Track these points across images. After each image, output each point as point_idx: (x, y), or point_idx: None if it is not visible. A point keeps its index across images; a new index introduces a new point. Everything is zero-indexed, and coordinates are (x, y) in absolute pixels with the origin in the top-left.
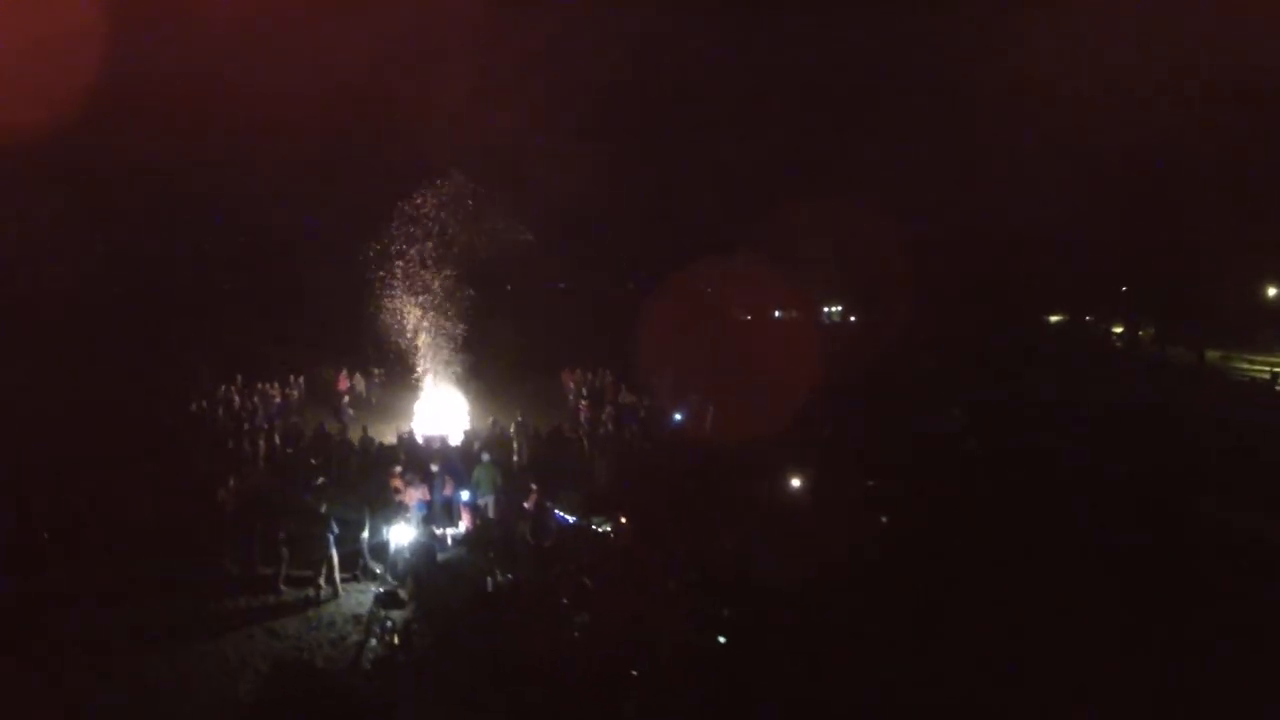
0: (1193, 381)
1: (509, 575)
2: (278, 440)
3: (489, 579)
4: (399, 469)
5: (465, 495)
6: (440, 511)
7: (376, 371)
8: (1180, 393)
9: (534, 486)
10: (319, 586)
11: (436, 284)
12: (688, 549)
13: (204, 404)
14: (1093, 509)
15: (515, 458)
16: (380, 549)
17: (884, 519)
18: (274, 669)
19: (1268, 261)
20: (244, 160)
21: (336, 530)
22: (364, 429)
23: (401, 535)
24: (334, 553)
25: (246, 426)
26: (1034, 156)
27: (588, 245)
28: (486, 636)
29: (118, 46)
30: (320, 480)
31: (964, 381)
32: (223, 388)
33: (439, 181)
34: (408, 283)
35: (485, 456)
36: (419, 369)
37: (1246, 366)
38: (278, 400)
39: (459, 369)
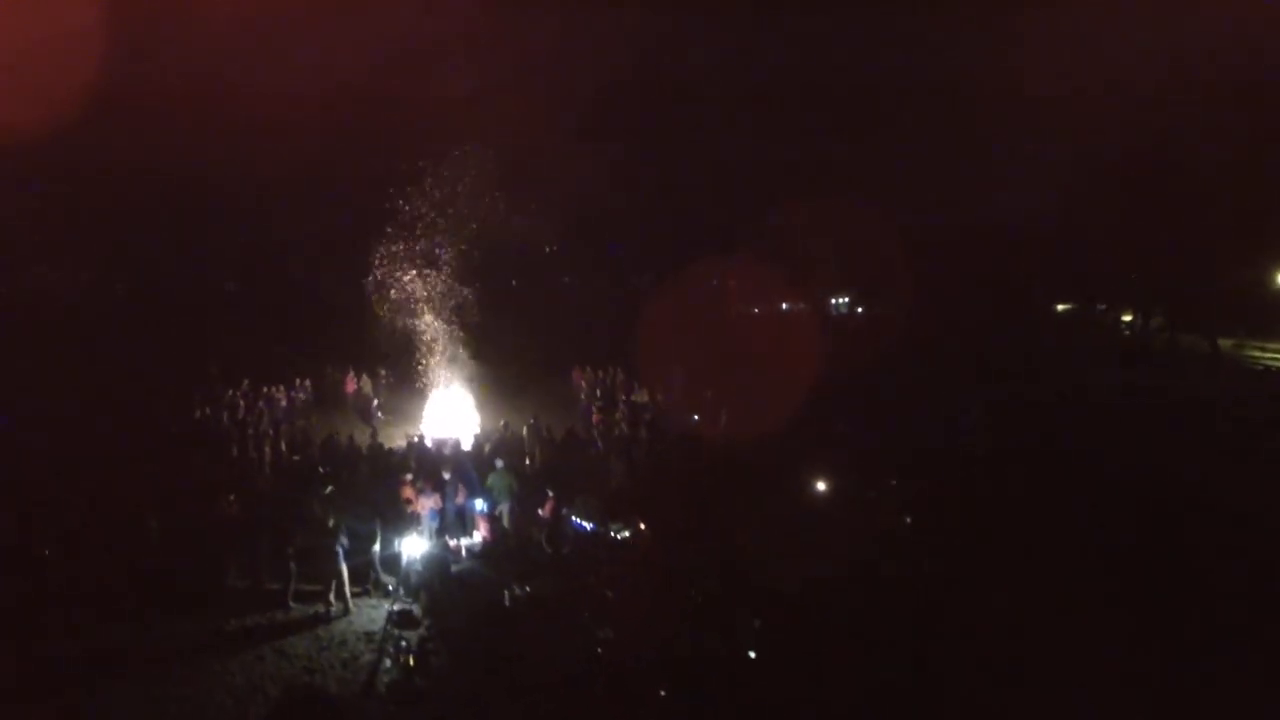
0: (1209, 372)
1: (526, 588)
2: (284, 447)
3: (506, 592)
4: (410, 477)
5: (480, 504)
6: (453, 521)
7: (383, 372)
8: (1200, 385)
9: (550, 494)
10: (329, 603)
11: (441, 282)
12: (708, 555)
13: (208, 409)
14: (1104, 509)
15: (528, 461)
16: (392, 561)
17: (907, 519)
18: (285, 694)
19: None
20: (247, 160)
21: (346, 544)
22: (372, 434)
23: (414, 547)
24: (344, 567)
25: (251, 432)
26: (1040, 144)
27: (591, 243)
28: (505, 654)
29: (120, 46)
30: (329, 489)
31: (978, 375)
32: (229, 392)
33: (444, 173)
34: (413, 280)
35: (499, 463)
36: (427, 369)
37: (1259, 354)
38: (284, 403)
39: (467, 368)
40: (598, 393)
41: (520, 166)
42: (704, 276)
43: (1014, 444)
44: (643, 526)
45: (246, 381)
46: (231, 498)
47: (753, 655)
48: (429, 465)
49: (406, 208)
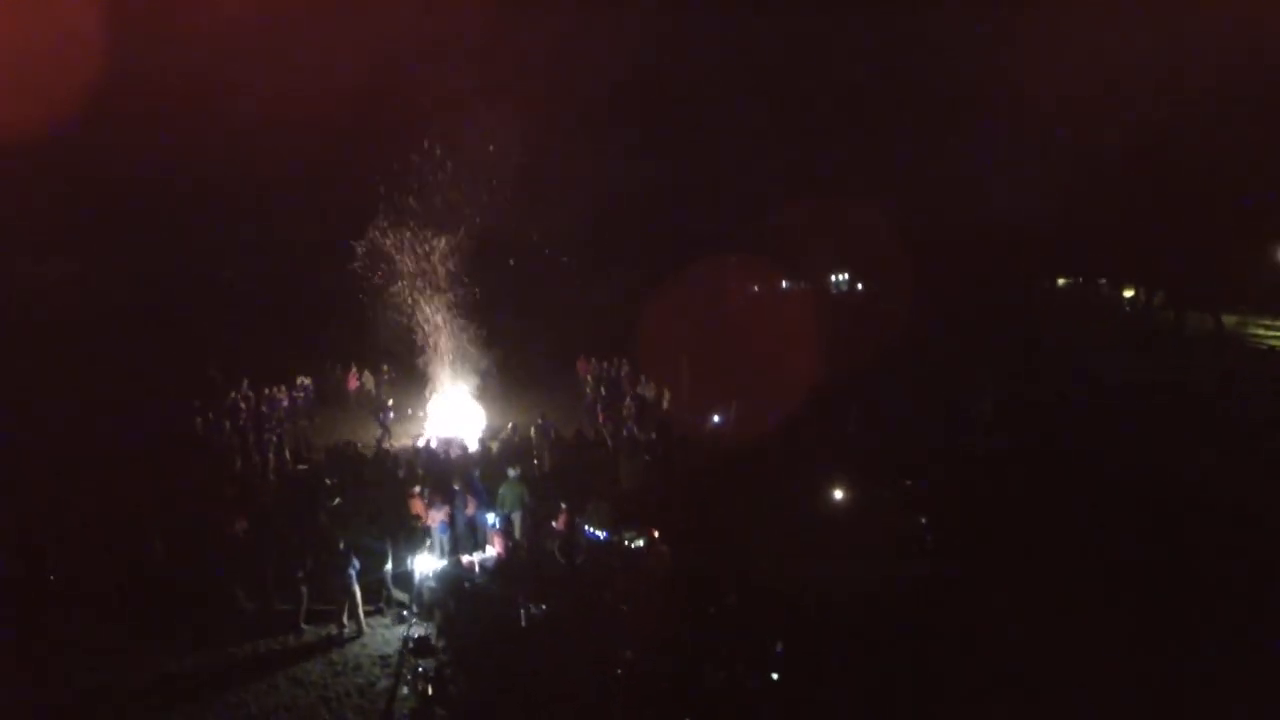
0: (1217, 354)
1: (543, 606)
2: (288, 455)
3: (521, 611)
4: (418, 489)
5: (492, 519)
6: (464, 534)
7: (385, 368)
8: (1208, 373)
9: (564, 506)
10: (342, 624)
11: (443, 274)
12: (724, 565)
13: (210, 415)
14: (1111, 508)
15: (536, 462)
16: (404, 578)
17: (922, 519)
18: None
19: None
20: (246, 154)
21: (358, 565)
22: (378, 440)
23: (426, 564)
24: (356, 588)
25: (253, 439)
26: (1041, 121)
27: (589, 220)
28: (523, 679)
29: (120, 45)
30: (336, 501)
31: (984, 365)
32: (231, 394)
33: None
34: (414, 272)
35: (511, 472)
36: (430, 364)
37: (1263, 333)
38: (285, 404)
39: (471, 362)
40: (602, 390)
41: (522, 156)
42: (704, 257)
43: (1022, 441)
44: (656, 534)
45: (246, 382)
46: (239, 523)
47: (775, 678)
48: (437, 474)
49: (408, 200)
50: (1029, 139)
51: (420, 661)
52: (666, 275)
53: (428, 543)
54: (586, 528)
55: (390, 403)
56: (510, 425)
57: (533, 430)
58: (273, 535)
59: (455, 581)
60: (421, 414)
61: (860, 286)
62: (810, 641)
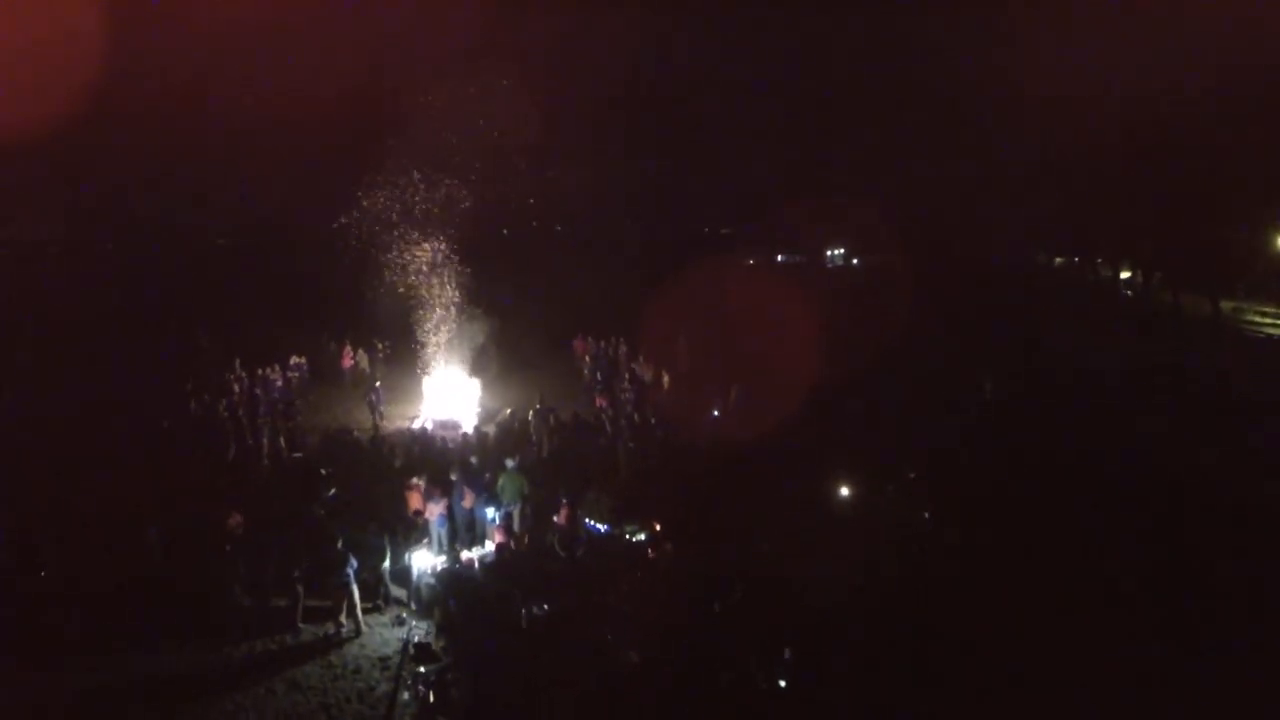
0: (1215, 342)
1: (544, 605)
2: (282, 442)
3: (523, 611)
4: (416, 480)
5: (491, 513)
6: (463, 527)
7: (380, 345)
8: (1208, 362)
9: (565, 500)
10: (339, 623)
11: (438, 249)
12: (728, 562)
13: (205, 397)
14: (1116, 508)
15: (535, 447)
16: (402, 573)
17: (926, 515)
18: None
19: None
20: (243, 142)
21: (355, 564)
22: (374, 429)
23: (424, 560)
24: (354, 586)
25: (247, 422)
26: (1039, 102)
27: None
28: (526, 682)
29: (119, 45)
30: (332, 492)
31: (986, 356)
32: (226, 375)
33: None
34: (409, 247)
35: (509, 463)
36: (425, 342)
37: (1259, 319)
38: (279, 383)
39: (466, 339)
40: (598, 375)
41: (521, 134)
42: (700, 229)
43: (1023, 431)
44: (657, 527)
45: (239, 362)
46: (233, 518)
47: (783, 685)
48: (434, 464)
49: (404, 177)
50: (1030, 118)
51: (422, 667)
52: (663, 252)
53: (425, 538)
54: (587, 520)
55: (379, 384)
56: (508, 411)
57: (531, 415)
58: (268, 530)
59: (454, 579)
60: (418, 392)
61: (856, 261)
62: (816, 641)
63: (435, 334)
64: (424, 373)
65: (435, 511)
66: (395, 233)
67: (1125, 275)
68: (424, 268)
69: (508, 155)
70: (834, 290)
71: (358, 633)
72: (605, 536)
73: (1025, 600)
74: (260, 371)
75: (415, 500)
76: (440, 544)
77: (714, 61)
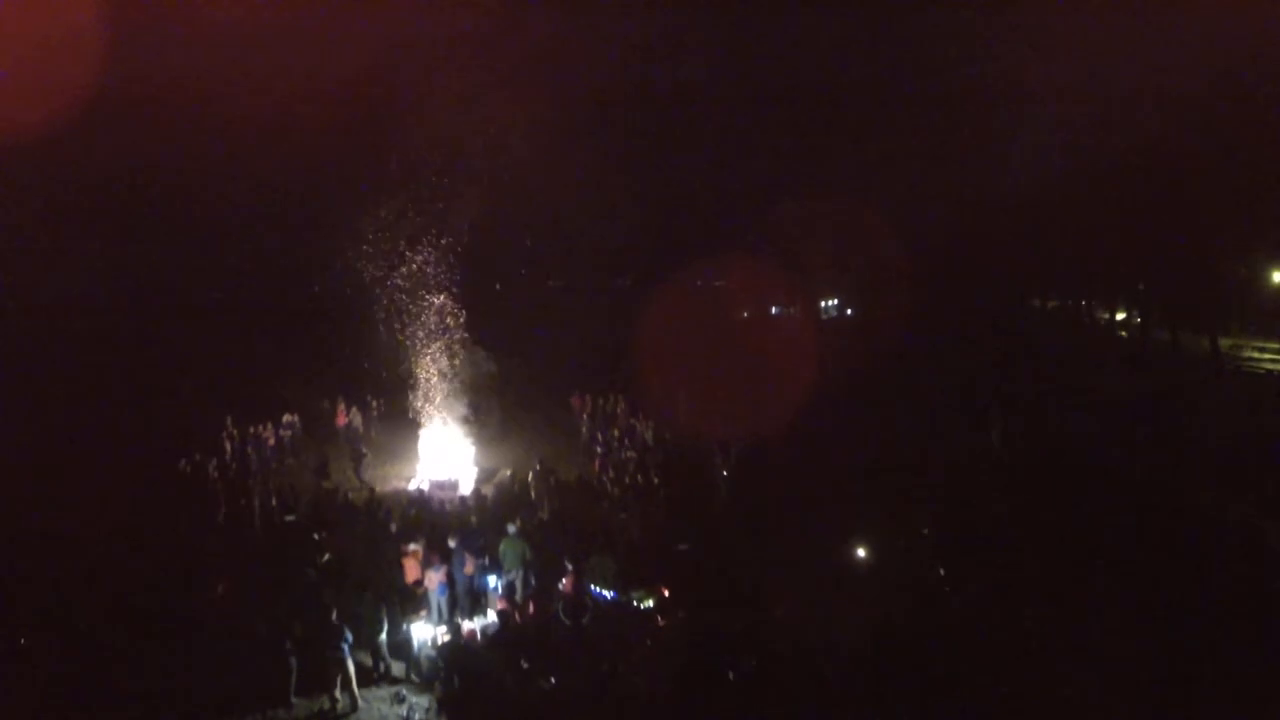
0: (1217, 379)
1: (551, 680)
2: (274, 502)
3: (528, 687)
4: (413, 547)
5: (493, 581)
6: (464, 595)
7: (376, 404)
8: (1213, 400)
9: (569, 566)
10: (335, 698)
11: (434, 300)
12: (741, 630)
13: (196, 456)
14: (1134, 552)
15: (536, 509)
16: (400, 645)
17: (941, 570)
18: None
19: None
20: (230, 175)
21: (350, 638)
22: (370, 490)
23: (423, 631)
24: (349, 660)
25: (238, 483)
26: (1029, 140)
27: (580, 242)
28: None
29: (118, 48)
30: (326, 557)
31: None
32: (218, 433)
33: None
34: (405, 298)
35: (511, 528)
36: (421, 398)
37: (1258, 355)
38: (271, 443)
39: (463, 397)
40: (597, 435)
41: (514, 171)
42: (693, 277)
43: (1037, 485)
44: (666, 593)
45: (229, 419)
46: (220, 588)
47: None
48: (432, 528)
49: (398, 220)
50: (1019, 160)
51: None
52: (656, 303)
53: (424, 607)
54: (592, 587)
55: (359, 444)
56: (508, 471)
57: (531, 476)
58: (258, 599)
59: (456, 653)
60: (412, 451)
61: (850, 312)
62: (833, 711)
63: (431, 391)
64: (420, 431)
65: (435, 579)
66: (389, 289)
67: (1120, 316)
68: (418, 325)
69: (499, 213)
70: (830, 341)
71: (354, 708)
72: (612, 604)
73: (1046, 660)
74: (251, 429)
75: (412, 567)
76: (440, 614)
77: (701, 109)
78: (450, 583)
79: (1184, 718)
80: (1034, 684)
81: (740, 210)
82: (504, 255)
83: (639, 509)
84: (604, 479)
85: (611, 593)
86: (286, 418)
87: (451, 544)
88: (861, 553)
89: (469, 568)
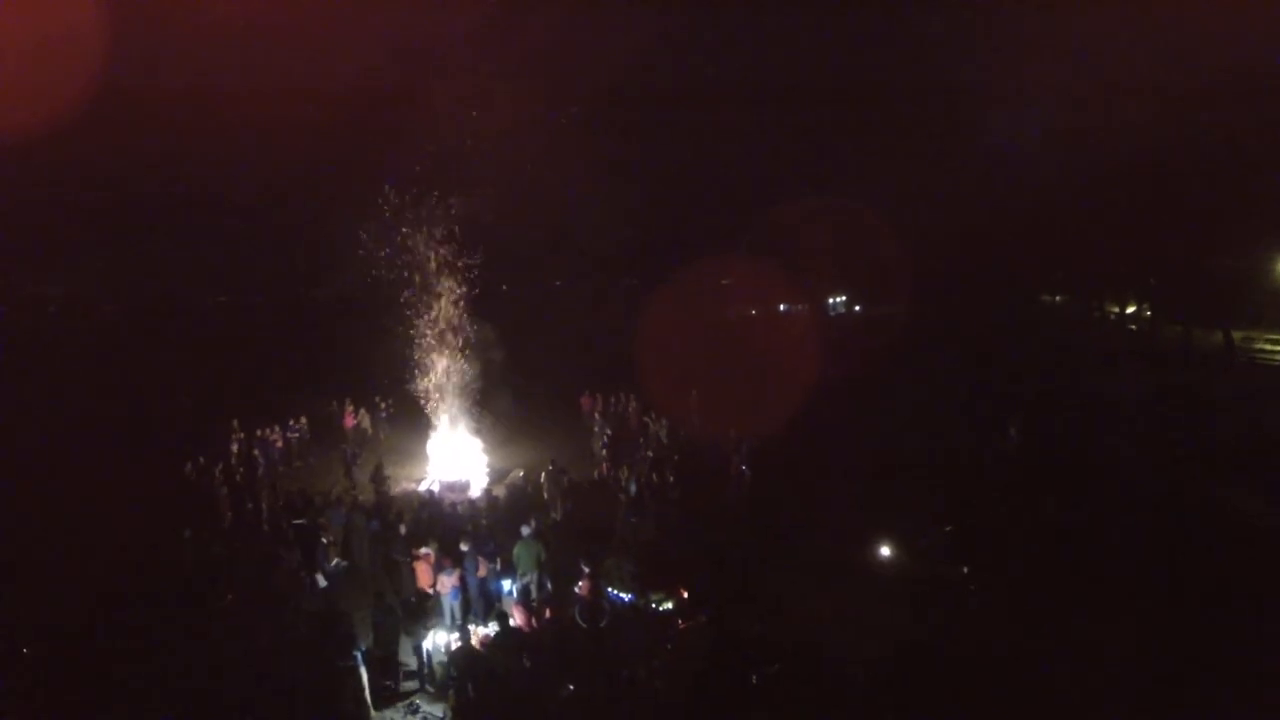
0: (1234, 373)
1: (570, 687)
2: (281, 505)
3: (546, 695)
4: (425, 550)
5: (507, 585)
6: (477, 600)
7: (384, 404)
8: (1233, 395)
9: (586, 569)
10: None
11: (444, 300)
12: (763, 631)
13: (201, 461)
14: (1157, 550)
15: (551, 514)
16: (413, 653)
17: (964, 569)
18: None
19: None
20: (237, 168)
21: (363, 648)
22: (380, 492)
23: (437, 638)
24: (363, 671)
25: (245, 486)
26: (1036, 137)
27: (582, 243)
28: None
29: (120, 46)
30: (335, 563)
31: (1007, 394)
32: (224, 436)
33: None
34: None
35: (525, 530)
36: (430, 399)
37: (1270, 348)
38: (279, 445)
39: (472, 397)
40: (607, 434)
41: (515, 166)
42: (700, 279)
43: (1056, 482)
44: (685, 595)
45: (236, 422)
46: (229, 595)
47: None
48: (444, 533)
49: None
50: (1029, 156)
51: None
52: (662, 293)
53: (437, 613)
54: (609, 590)
55: (352, 454)
56: (519, 472)
57: (544, 477)
58: (264, 608)
59: (470, 660)
60: (423, 452)
61: (858, 309)
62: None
63: (440, 392)
64: (427, 430)
65: (447, 584)
66: (398, 289)
67: (1130, 310)
68: (428, 324)
69: (507, 212)
70: (840, 338)
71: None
72: (630, 607)
73: (1072, 664)
74: (259, 432)
75: (424, 572)
76: (453, 617)
77: (707, 105)
78: (463, 587)
79: None
80: (1056, 690)
81: (747, 208)
82: (512, 255)
83: (655, 509)
84: (619, 479)
85: (629, 595)
86: (293, 421)
87: (463, 547)
88: (884, 552)
89: (482, 571)
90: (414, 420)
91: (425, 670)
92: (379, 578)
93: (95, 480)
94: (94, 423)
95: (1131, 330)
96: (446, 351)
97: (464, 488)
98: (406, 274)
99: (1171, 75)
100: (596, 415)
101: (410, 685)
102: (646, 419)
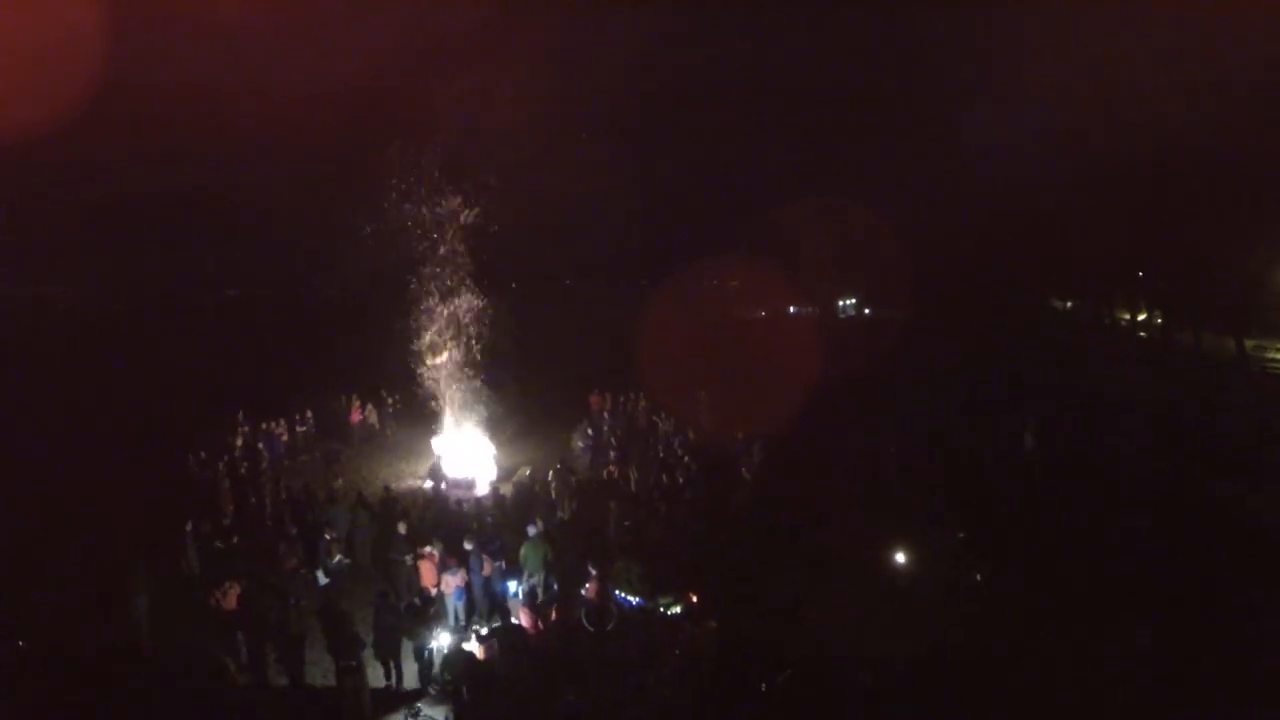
0: (1246, 381)
1: (572, 696)
2: (284, 497)
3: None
4: (429, 549)
5: (513, 586)
6: (481, 600)
7: (390, 400)
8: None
9: (593, 571)
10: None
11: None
12: (774, 637)
13: (203, 454)
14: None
15: (558, 513)
16: (415, 653)
17: (978, 576)
18: None
19: None
20: (242, 166)
21: (365, 644)
22: (385, 488)
23: (439, 639)
24: (365, 670)
25: (249, 480)
26: (1044, 141)
27: (592, 243)
28: None
29: (121, 48)
30: (338, 560)
31: (1020, 396)
32: (228, 430)
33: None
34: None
35: (532, 529)
36: (437, 394)
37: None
38: (285, 438)
39: (479, 392)
40: (614, 437)
41: (521, 166)
42: (708, 280)
43: (1073, 488)
44: (694, 598)
45: (242, 414)
46: (231, 588)
47: None
48: (449, 529)
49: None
50: (1039, 160)
51: None
52: (669, 294)
53: (440, 614)
54: (616, 592)
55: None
56: (527, 470)
57: (552, 475)
58: (269, 604)
59: (471, 664)
60: (427, 449)
61: (867, 311)
62: None
63: (448, 387)
64: (433, 425)
65: (451, 584)
66: (406, 283)
67: (1141, 316)
68: (435, 319)
69: (515, 208)
70: (851, 340)
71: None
72: (638, 610)
73: (1091, 670)
74: (264, 425)
75: (428, 571)
76: (457, 618)
77: (713, 97)
78: (467, 587)
79: None
80: (1070, 697)
81: (758, 210)
82: (521, 253)
83: (664, 510)
84: (627, 479)
85: (637, 599)
86: (299, 414)
87: (468, 546)
88: (898, 557)
89: (486, 570)
90: (421, 416)
91: (427, 673)
92: (381, 574)
93: (98, 475)
94: (99, 418)
95: (1142, 337)
96: (454, 347)
97: (470, 485)
98: (415, 269)
99: (1185, 74)
100: (605, 414)
101: (412, 688)
102: (656, 418)
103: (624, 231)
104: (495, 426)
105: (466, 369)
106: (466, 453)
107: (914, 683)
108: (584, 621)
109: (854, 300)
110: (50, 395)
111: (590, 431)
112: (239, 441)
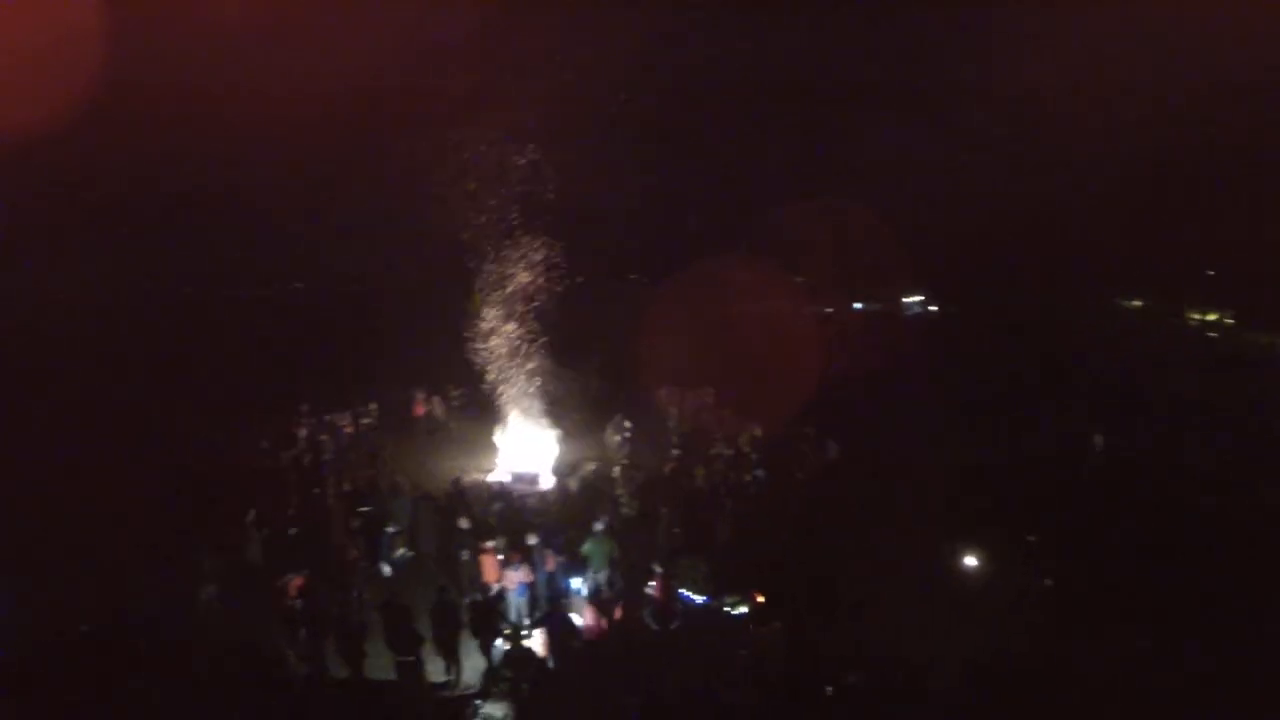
0: None
1: (637, 691)
2: (347, 488)
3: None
4: (492, 544)
5: (577, 584)
6: (544, 597)
7: (455, 393)
8: None
9: (659, 569)
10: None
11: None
12: (842, 639)
13: (267, 446)
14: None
15: (623, 508)
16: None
17: (1048, 582)
18: None
19: None
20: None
21: (425, 639)
22: (453, 481)
23: (502, 636)
24: (425, 666)
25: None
26: (1105, 140)
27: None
28: None
29: (124, 46)
30: (401, 552)
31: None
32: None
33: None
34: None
35: (598, 525)
36: (501, 388)
37: None
38: (349, 430)
39: (545, 387)
40: (676, 438)
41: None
42: (775, 277)
43: (1143, 493)
44: (760, 599)
45: (305, 408)
46: (294, 581)
47: None
48: (512, 525)
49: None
50: (1107, 158)
51: None
52: (738, 298)
53: (504, 610)
54: (682, 591)
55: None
56: (591, 465)
57: (617, 470)
58: (330, 596)
59: (534, 660)
60: (490, 443)
61: (934, 309)
62: None
63: (513, 381)
64: (500, 421)
65: (514, 579)
66: (471, 274)
67: (1211, 317)
68: (500, 311)
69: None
70: (920, 339)
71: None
72: (703, 610)
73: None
74: (328, 418)
75: (490, 566)
76: (519, 614)
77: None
78: (530, 584)
79: None
80: (1140, 705)
81: (825, 203)
82: (585, 248)
83: (731, 508)
84: (694, 475)
85: (703, 598)
86: (363, 407)
87: (531, 542)
88: (967, 561)
89: (550, 566)
90: (485, 409)
91: (488, 670)
92: (444, 569)
93: (164, 465)
94: (165, 412)
95: (1211, 337)
96: (520, 341)
97: (534, 479)
98: (478, 262)
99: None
100: (674, 409)
101: (472, 684)
102: (724, 414)
103: (689, 227)
104: (560, 421)
105: (531, 363)
106: (531, 447)
107: (981, 688)
108: (648, 620)
109: (920, 297)
110: (108, 392)
111: (628, 425)
112: (303, 434)
